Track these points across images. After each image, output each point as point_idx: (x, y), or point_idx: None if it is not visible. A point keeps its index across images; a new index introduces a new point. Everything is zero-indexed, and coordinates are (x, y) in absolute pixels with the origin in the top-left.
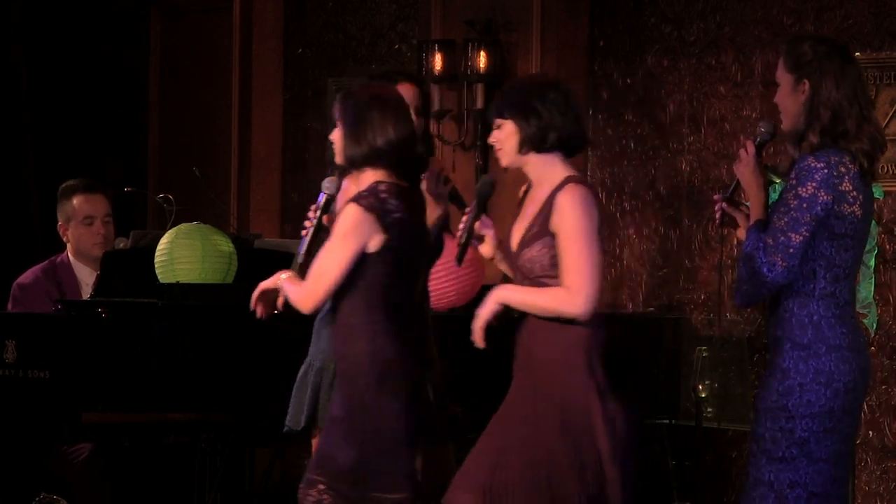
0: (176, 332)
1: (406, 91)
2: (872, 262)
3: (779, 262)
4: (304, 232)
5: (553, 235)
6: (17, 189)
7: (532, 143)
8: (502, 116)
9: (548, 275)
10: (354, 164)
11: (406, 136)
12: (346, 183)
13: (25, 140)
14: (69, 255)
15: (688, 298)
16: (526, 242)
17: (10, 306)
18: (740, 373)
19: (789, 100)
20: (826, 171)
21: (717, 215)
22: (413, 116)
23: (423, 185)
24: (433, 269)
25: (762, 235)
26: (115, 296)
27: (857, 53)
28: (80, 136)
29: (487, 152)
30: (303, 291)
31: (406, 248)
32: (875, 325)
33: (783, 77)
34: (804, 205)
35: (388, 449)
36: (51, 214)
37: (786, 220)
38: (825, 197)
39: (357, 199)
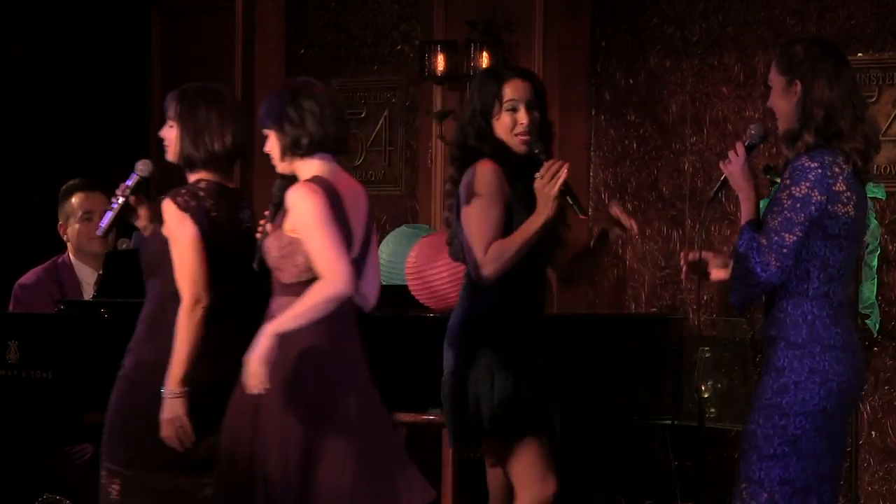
0: None
1: (516, 87)
2: (875, 263)
3: (773, 261)
4: (108, 208)
5: (283, 231)
6: (17, 189)
7: (290, 150)
8: (266, 127)
9: (277, 267)
10: (192, 166)
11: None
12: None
13: (25, 140)
14: (70, 255)
15: (690, 299)
16: (270, 232)
17: (11, 307)
18: (743, 373)
19: (782, 101)
20: (820, 170)
21: (683, 269)
22: (524, 112)
23: (536, 185)
24: (435, 271)
25: (756, 235)
26: (117, 296)
27: (860, 54)
28: (80, 136)
29: None
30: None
31: (220, 248)
32: (878, 326)
33: (776, 79)
34: (798, 204)
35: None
36: (51, 214)
37: (779, 219)
38: (819, 197)
39: (174, 196)
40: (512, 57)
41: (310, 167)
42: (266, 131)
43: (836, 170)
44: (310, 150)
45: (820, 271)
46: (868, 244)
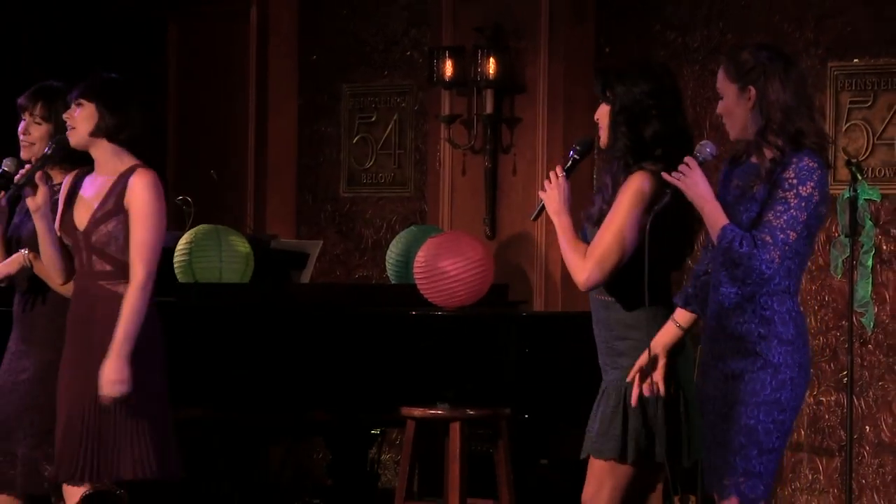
0: (194, 331)
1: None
2: (870, 262)
3: (776, 259)
4: None
5: (127, 213)
6: None
7: (107, 132)
8: (86, 98)
9: (123, 252)
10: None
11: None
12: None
13: None
14: None
15: None
16: (99, 220)
17: None
18: None
19: (737, 109)
20: (821, 171)
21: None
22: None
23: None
24: (443, 270)
25: (755, 233)
26: None
27: (856, 60)
28: None
29: (497, 156)
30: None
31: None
32: (872, 324)
33: (727, 88)
34: (803, 204)
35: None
36: None
37: (785, 217)
38: (817, 198)
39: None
40: (518, 62)
41: (120, 154)
42: (82, 101)
43: (826, 171)
44: (121, 143)
45: (798, 269)
46: (863, 244)
